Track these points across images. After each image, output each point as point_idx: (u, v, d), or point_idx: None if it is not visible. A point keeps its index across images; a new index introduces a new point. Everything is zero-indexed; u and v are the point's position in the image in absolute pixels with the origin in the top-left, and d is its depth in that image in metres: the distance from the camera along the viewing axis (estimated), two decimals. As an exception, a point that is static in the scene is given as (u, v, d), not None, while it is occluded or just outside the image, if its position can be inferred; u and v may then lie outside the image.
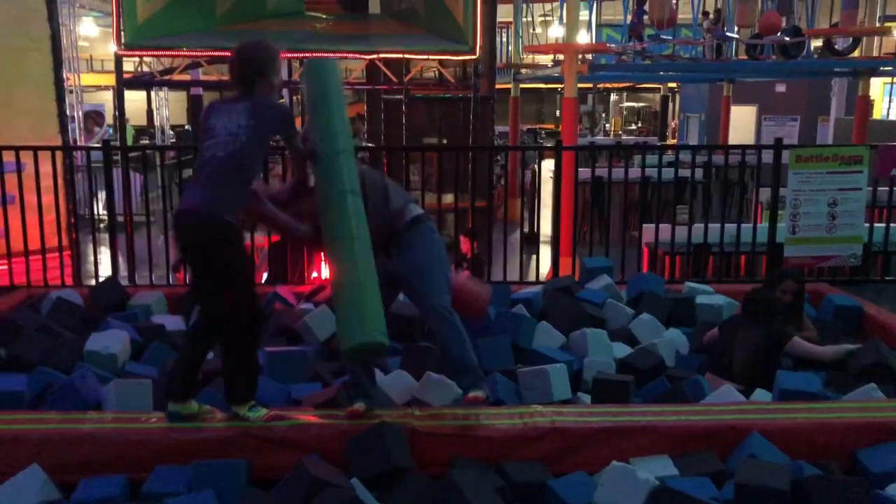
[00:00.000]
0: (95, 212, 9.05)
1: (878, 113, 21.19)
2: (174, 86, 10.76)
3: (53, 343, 4.38)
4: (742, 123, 16.81)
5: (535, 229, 10.29)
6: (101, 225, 8.91)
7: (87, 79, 26.79)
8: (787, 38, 10.02)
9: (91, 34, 28.55)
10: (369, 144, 12.15)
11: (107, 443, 3.33)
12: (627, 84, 25.03)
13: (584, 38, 15.49)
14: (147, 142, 19.51)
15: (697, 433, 3.44)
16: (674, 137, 23.39)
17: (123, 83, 8.30)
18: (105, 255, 6.96)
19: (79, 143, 13.60)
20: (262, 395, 3.64)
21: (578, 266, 5.81)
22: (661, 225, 6.10)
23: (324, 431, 3.40)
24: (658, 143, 16.28)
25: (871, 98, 17.62)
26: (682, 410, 3.60)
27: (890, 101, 20.57)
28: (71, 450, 3.30)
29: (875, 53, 12.37)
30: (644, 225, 6.59)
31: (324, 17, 9.56)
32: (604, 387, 3.82)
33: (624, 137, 25.09)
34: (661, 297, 5.15)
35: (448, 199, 8.81)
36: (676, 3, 13.66)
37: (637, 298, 5.23)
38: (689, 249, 6.04)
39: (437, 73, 10.23)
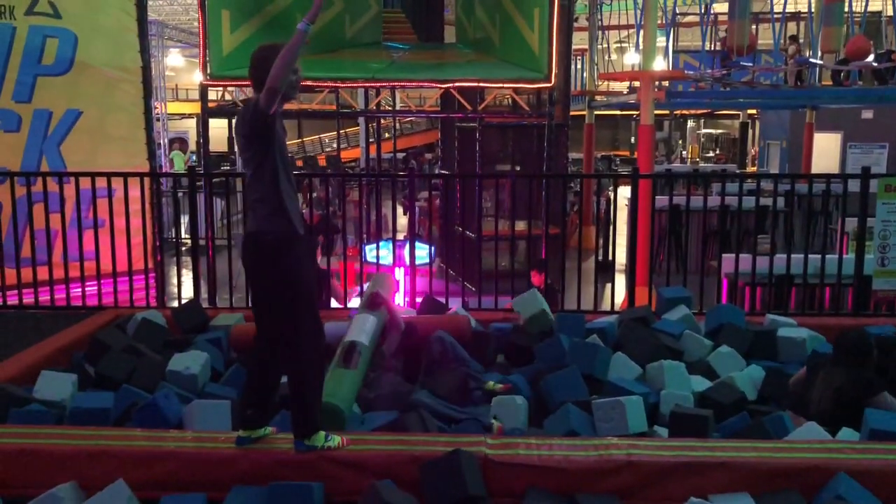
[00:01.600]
0: (179, 236, 9.37)
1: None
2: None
3: (138, 363, 4.54)
4: (825, 150, 16.30)
5: (610, 258, 10.18)
6: (184, 248, 9.22)
7: (172, 107, 27.96)
8: (875, 63, 9.70)
9: (177, 64, 29.82)
10: (443, 172, 12.27)
11: (188, 461, 3.42)
12: (705, 111, 24.62)
13: (660, 64, 15.36)
14: (228, 168, 20.12)
15: (780, 471, 3.32)
16: (753, 165, 22.85)
17: (208, 112, 8.61)
18: (188, 277, 7.19)
19: (164, 170, 14.16)
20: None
21: (655, 296, 5.70)
22: (741, 255, 5.95)
23: (396, 457, 3.42)
24: (737, 171, 15.90)
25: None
26: (764, 447, 3.48)
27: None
28: (154, 467, 3.40)
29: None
30: (723, 254, 6.43)
31: (401, 46, 9.74)
32: (681, 420, 3.74)
33: (701, 164, 24.64)
34: (741, 330, 5.01)
35: (521, 226, 8.82)
36: (756, 29, 13.42)
37: (716, 330, 5.10)
38: (771, 280, 5.86)
39: (510, 100, 10.26)
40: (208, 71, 8.23)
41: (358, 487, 3.29)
